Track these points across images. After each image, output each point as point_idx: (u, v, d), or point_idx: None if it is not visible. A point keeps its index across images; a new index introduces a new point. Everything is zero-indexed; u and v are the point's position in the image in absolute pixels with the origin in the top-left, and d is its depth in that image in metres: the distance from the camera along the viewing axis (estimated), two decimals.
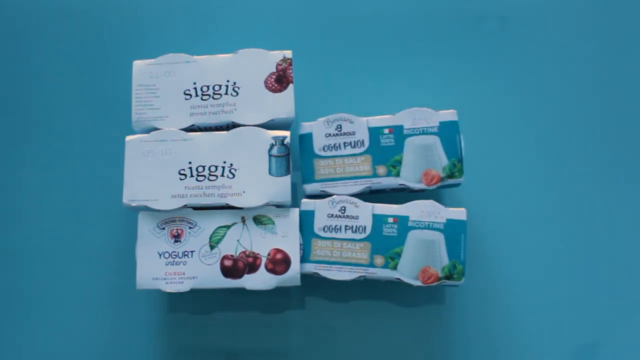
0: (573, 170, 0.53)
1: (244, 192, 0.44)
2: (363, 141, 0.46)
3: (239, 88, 0.45)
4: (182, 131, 0.45)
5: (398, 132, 0.45)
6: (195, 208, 0.45)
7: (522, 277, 0.51)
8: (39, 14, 0.56)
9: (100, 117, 0.54)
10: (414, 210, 0.44)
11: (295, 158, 0.48)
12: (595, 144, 0.53)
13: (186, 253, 0.44)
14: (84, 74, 0.54)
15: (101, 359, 0.50)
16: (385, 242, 0.44)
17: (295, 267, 0.44)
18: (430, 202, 0.44)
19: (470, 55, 0.54)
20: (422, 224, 0.44)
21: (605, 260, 0.51)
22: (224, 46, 0.49)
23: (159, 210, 0.44)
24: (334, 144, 0.46)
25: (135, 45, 0.55)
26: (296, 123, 0.47)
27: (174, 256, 0.44)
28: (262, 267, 0.44)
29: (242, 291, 0.44)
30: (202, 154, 0.44)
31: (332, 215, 0.45)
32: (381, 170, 0.45)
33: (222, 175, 0.44)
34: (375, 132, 0.46)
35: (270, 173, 0.44)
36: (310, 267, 0.45)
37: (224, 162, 0.44)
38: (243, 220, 0.45)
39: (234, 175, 0.44)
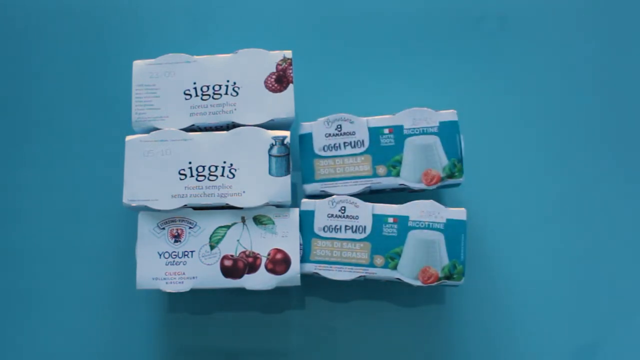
0: (573, 170, 0.53)
1: (244, 192, 0.44)
2: (363, 141, 0.46)
3: (239, 88, 0.45)
4: (182, 131, 0.45)
5: (398, 132, 0.45)
6: (195, 208, 0.45)
7: (522, 277, 0.51)
8: (39, 14, 0.56)
9: (100, 117, 0.54)
10: (414, 210, 0.44)
11: (295, 158, 0.48)
12: (595, 144, 0.53)
13: (186, 253, 0.44)
14: (84, 74, 0.54)
15: (101, 359, 0.50)
16: (385, 242, 0.44)
17: (295, 267, 0.44)
18: (430, 202, 0.44)
19: (470, 55, 0.54)
20: (422, 224, 0.44)
21: (605, 260, 0.51)
22: (224, 46, 0.49)
23: (159, 210, 0.44)
24: (334, 144, 0.46)
25: (135, 45, 0.55)
26: (296, 123, 0.47)
27: (174, 256, 0.44)
28: (262, 267, 0.44)
29: (242, 291, 0.44)
30: (202, 154, 0.44)
31: (332, 215, 0.45)
32: (381, 170, 0.45)
33: (222, 175, 0.44)
34: (375, 132, 0.46)
35: (270, 173, 0.44)
36: (310, 267, 0.45)
37: (224, 162, 0.44)
38: (243, 220, 0.45)
39: (234, 175, 0.44)
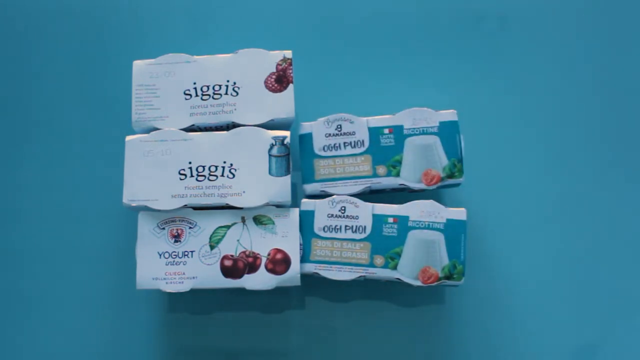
0: (573, 170, 0.53)
1: (244, 192, 0.44)
2: (363, 141, 0.46)
3: (239, 88, 0.45)
4: (182, 131, 0.45)
5: (398, 132, 0.45)
6: (195, 208, 0.45)
7: (522, 277, 0.51)
8: (39, 14, 0.56)
9: (100, 117, 0.54)
10: (414, 210, 0.44)
11: (295, 158, 0.48)
12: (595, 144, 0.53)
13: (186, 253, 0.44)
14: (84, 74, 0.54)
15: (101, 359, 0.50)
16: (385, 242, 0.44)
17: (295, 267, 0.44)
18: (430, 202, 0.44)
19: (470, 55, 0.54)
20: (422, 224, 0.44)
21: (605, 260, 0.51)
22: (224, 46, 0.49)
23: (159, 210, 0.44)
24: (334, 144, 0.46)
25: (135, 45, 0.55)
26: (296, 123, 0.47)
27: (174, 256, 0.44)
28: (262, 267, 0.44)
29: (242, 291, 0.44)
30: (202, 154, 0.44)
31: (332, 215, 0.45)
32: (381, 170, 0.45)
33: (222, 175, 0.44)
34: (375, 132, 0.46)
35: (270, 173, 0.44)
36: (310, 267, 0.45)
37: (224, 162, 0.44)
38: (243, 220, 0.45)
39: (234, 175, 0.44)
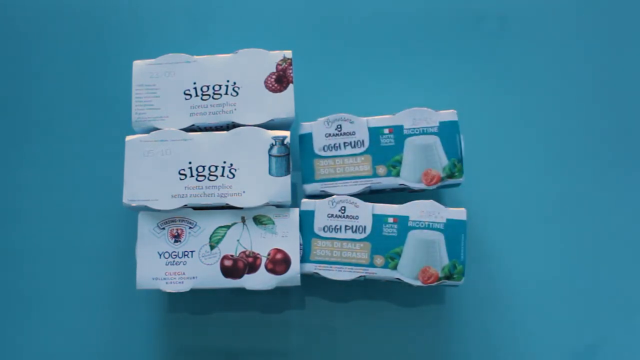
0: (573, 170, 0.53)
1: (244, 192, 0.44)
2: (363, 141, 0.46)
3: (239, 88, 0.45)
4: (182, 131, 0.45)
5: (398, 132, 0.45)
6: (195, 208, 0.45)
7: (522, 277, 0.51)
8: (39, 14, 0.56)
9: (100, 117, 0.54)
10: (414, 210, 0.44)
11: (295, 158, 0.48)
12: (595, 144, 0.53)
13: (186, 253, 0.44)
14: (84, 74, 0.54)
15: (101, 359, 0.50)
16: (385, 242, 0.44)
17: (295, 267, 0.44)
18: (430, 202, 0.44)
19: (470, 55, 0.54)
20: (422, 224, 0.44)
21: (605, 260, 0.51)
22: (224, 46, 0.49)
23: (159, 210, 0.44)
24: (334, 144, 0.46)
25: (135, 45, 0.55)
26: (296, 123, 0.47)
27: (174, 256, 0.44)
28: (262, 267, 0.44)
29: (242, 291, 0.44)
30: (202, 154, 0.44)
31: (332, 215, 0.45)
32: (381, 170, 0.45)
33: (222, 175, 0.44)
34: (375, 132, 0.46)
35: (270, 173, 0.44)
36: (310, 267, 0.45)
37: (224, 162, 0.44)
38: (243, 220, 0.45)
39: (234, 175, 0.44)
